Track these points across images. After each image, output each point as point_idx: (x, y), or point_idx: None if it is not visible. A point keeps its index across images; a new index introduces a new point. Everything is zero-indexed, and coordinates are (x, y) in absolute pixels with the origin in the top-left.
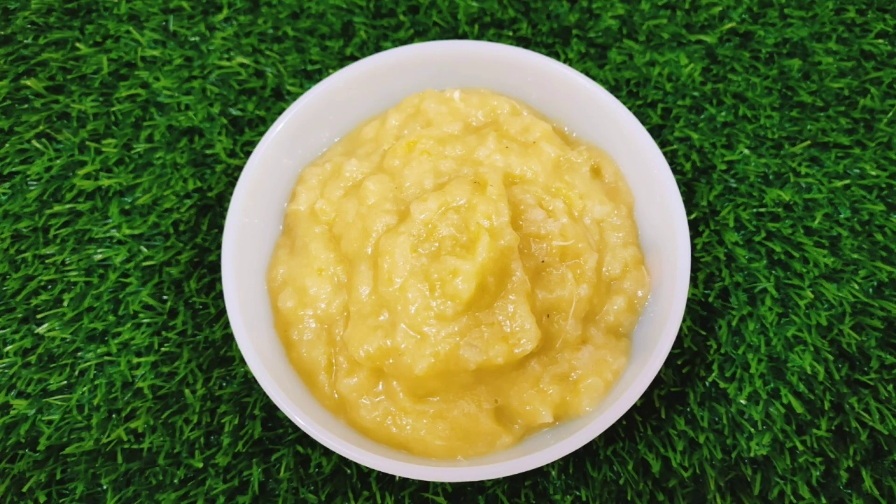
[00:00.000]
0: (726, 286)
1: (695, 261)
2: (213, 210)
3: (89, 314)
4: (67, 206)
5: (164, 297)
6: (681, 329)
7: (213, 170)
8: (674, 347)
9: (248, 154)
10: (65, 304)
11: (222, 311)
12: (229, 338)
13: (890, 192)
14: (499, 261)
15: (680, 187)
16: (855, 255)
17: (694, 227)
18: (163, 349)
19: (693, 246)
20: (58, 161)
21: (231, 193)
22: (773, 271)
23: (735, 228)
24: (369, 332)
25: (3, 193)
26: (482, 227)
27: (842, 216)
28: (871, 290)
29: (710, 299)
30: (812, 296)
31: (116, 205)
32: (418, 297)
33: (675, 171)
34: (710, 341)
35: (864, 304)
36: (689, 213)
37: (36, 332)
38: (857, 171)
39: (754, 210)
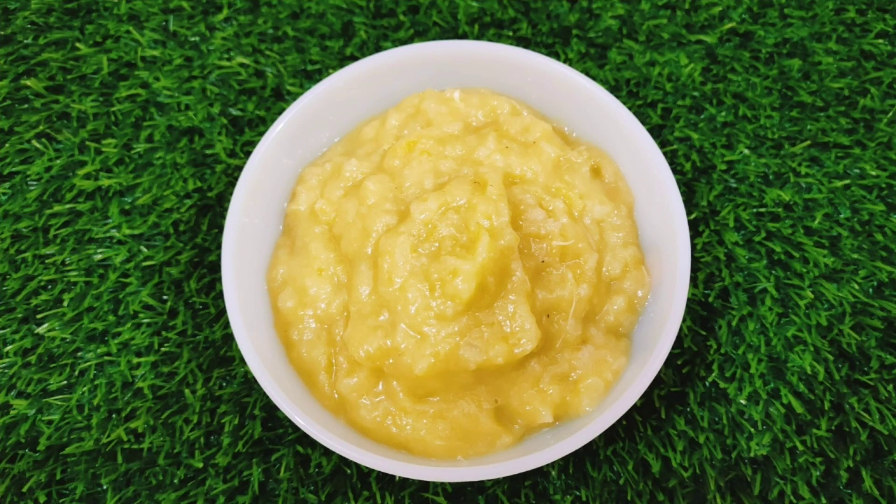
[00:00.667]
0: (726, 286)
1: (695, 261)
2: (213, 210)
3: (89, 314)
4: (67, 206)
5: (164, 297)
6: (681, 329)
7: (213, 170)
8: (674, 347)
9: (248, 154)
10: (65, 304)
11: (222, 311)
12: (229, 338)
13: (890, 192)
14: (499, 261)
15: (680, 187)
16: (855, 255)
17: (694, 227)
18: (163, 349)
19: (693, 246)
20: (58, 161)
21: (231, 193)
22: (773, 271)
23: (735, 228)
24: (369, 332)
25: (4, 193)
26: (482, 227)
27: (842, 216)
28: (871, 290)
29: (710, 299)
30: (812, 296)
31: (116, 205)
32: (418, 297)
33: (675, 171)
34: (710, 341)
35: (864, 304)
36: (689, 213)
37: (36, 332)
38: (857, 171)
39: (754, 210)
